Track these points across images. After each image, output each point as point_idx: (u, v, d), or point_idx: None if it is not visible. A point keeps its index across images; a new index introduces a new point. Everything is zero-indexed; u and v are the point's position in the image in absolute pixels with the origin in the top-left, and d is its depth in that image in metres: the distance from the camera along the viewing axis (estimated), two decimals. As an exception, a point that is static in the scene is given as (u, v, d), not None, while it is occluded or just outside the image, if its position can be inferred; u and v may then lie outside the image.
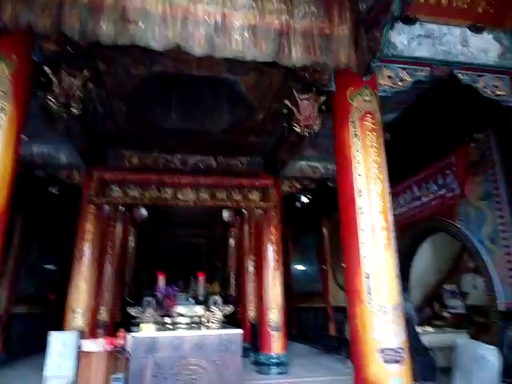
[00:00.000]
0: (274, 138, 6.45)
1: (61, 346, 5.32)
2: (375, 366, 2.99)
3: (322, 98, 3.87)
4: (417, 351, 5.66)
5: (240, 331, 4.45)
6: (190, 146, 6.82)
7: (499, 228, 4.37)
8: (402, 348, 3.04)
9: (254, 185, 6.94)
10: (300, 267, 11.48)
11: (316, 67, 3.46)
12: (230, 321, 8.93)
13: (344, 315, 7.27)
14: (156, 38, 3.05)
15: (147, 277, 9.83)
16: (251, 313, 8.58)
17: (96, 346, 4.37)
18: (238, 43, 3.17)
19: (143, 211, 9.56)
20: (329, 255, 9.27)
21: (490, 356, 3.79)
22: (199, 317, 5.57)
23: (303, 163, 7.48)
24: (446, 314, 7.83)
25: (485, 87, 4.13)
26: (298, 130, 3.77)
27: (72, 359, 5.15)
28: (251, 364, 7.02)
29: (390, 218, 3.41)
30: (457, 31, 4.13)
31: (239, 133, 6.35)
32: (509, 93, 4.15)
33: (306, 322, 10.52)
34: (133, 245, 10.85)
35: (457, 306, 7.92)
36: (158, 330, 4.59)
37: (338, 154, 3.73)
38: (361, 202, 3.39)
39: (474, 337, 6.87)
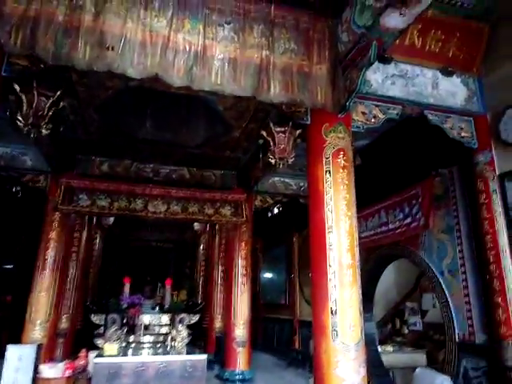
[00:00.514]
0: (248, 154, 6.48)
1: (17, 361, 5.13)
2: (337, 403, 3.07)
3: (298, 131, 3.92)
4: (377, 372, 5.86)
5: (204, 356, 4.46)
6: (164, 156, 6.73)
7: (458, 262, 4.59)
8: (362, 385, 3.14)
9: (227, 199, 6.93)
10: (269, 278, 11.57)
11: (293, 104, 3.50)
12: (195, 330, 8.92)
13: (309, 330, 7.40)
14: (134, 66, 3.00)
15: (113, 282, 9.61)
16: (217, 324, 8.57)
17: (55, 371, 4.23)
18: (218, 76, 3.16)
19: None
20: (297, 269, 9.40)
21: (443, 386, 3.96)
22: (165, 335, 5.52)
23: (276, 179, 7.57)
24: (405, 331, 8.13)
25: (451, 128, 4.34)
26: (272, 161, 3.81)
27: (29, 374, 4.98)
28: (214, 378, 7.02)
29: (357, 255, 3.51)
30: (429, 73, 4.30)
31: (214, 147, 6.33)
32: (472, 135, 4.38)
33: (272, 333, 10.61)
34: (98, 249, 10.55)
35: (416, 322, 8.25)
36: (122, 349, 4.51)
37: (311, 188, 3.80)
38: (331, 238, 3.46)
39: (430, 353, 7.20)
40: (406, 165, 5.68)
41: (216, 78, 3.17)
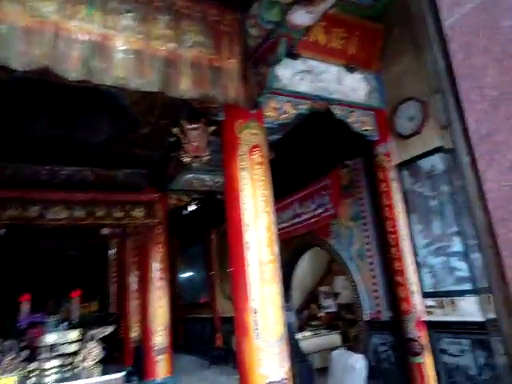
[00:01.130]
0: (160, 152, 6.16)
1: None
2: (263, 400, 3.07)
3: (212, 128, 3.80)
4: (297, 358, 6.09)
5: (120, 375, 4.11)
6: (63, 156, 6.05)
7: (365, 247, 4.96)
8: (286, 378, 3.19)
9: (138, 200, 6.53)
10: (188, 277, 11.31)
11: (205, 99, 3.36)
12: (110, 342, 8.31)
13: (231, 326, 7.41)
14: (18, 56, 2.56)
15: (8, 301, 8.44)
16: (134, 333, 8.10)
17: None
18: (121, 69, 2.87)
19: None
20: (217, 265, 9.33)
21: (357, 364, 4.26)
22: (74, 354, 5.00)
23: (192, 176, 7.32)
24: (321, 314, 8.64)
25: (354, 122, 4.62)
26: (185, 160, 3.63)
27: None
28: (134, 390, 6.64)
29: (276, 250, 3.53)
30: (333, 69, 4.51)
31: (121, 145, 5.89)
32: (373, 128, 4.73)
33: (193, 333, 10.42)
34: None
35: (330, 305, 8.82)
36: (21, 381, 3.93)
37: (227, 186, 3.71)
38: (248, 236, 3.43)
39: (344, 332, 7.76)
40: (316, 157, 5.95)
41: (119, 71, 2.88)
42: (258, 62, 3.56)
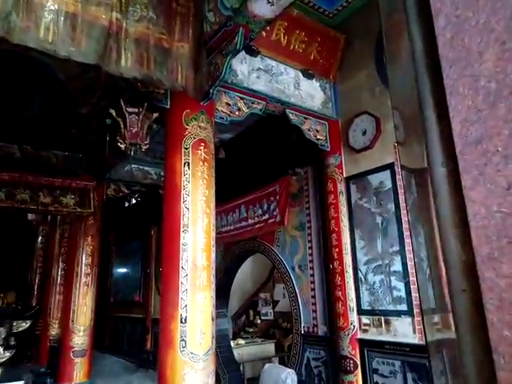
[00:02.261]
0: (99, 136, 5.63)
1: None
2: (180, 421, 2.77)
3: (155, 115, 3.44)
4: (228, 368, 5.84)
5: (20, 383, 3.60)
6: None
7: (308, 257, 4.84)
8: (209, 397, 2.92)
9: (70, 186, 5.92)
10: (122, 274, 10.64)
11: (149, 82, 3.01)
12: (25, 337, 7.51)
13: (162, 329, 7.01)
14: None
15: None
16: (54, 331, 7.38)
17: None
18: (49, 32, 2.45)
19: None
20: (154, 264, 8.82)
21: (288, 380, 4.09)
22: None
23: (134, 166, 6.84)
24: (258, 321, 8.47)
25: (309, 130, 4.49)
26: (122, 146, 3.24)
27: None
28: (46, 395, 6.00)
29: (212, 256, 3.26)
30: (292, 72, 4.34)
31: (56, 123, 5.29)
32: (326, 138, 4.63)
33: (122, 334, 9.77)
34: None
35: (268, 312, 8.68)
36: None
37: (167, 181, 3.39)
38: (186, 238, 3.13)
39: (278, 341, 7.64)
40: (267, 161, 5.77)
41: (46, 33, 2.46)
42: (212, 50, 3.29)
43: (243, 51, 3.88)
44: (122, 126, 3.22)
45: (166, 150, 3.42)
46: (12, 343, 6.21)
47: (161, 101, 3.44)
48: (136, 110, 3.23)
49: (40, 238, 9.49)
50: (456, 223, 0.61)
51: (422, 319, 1.20)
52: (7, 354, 5.10)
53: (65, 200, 5.81)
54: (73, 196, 5.88)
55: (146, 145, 3.33)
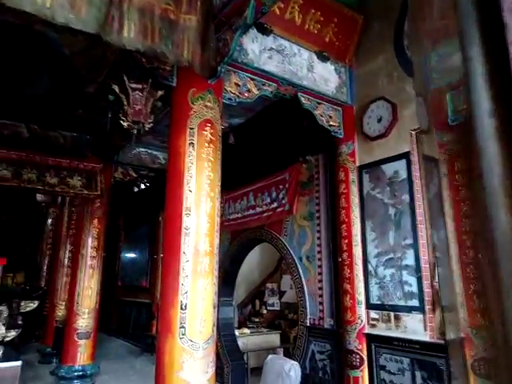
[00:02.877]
0: (108, 117, 5.51)
1: None
2: (176, 410, 2.68)
3: (160, 93, 3.29)
4: (232, 357, 5.76)
5: (15, 364, 3.57)
6: (-8, 106, 5.25)
7: (316, 248, 4.68)
8: (208, 387, 2.81)
9: (78, 167, 5.84)
10: (130, 258, 10.66)
11: (153, 55, 2.85)
12: (33, 318, 7.57)
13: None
14: None
15: None
16: (60, 312, 7.42)
17: None
18: (46, -4, 2.30)
19: None
20: (162, 250, 8.77)
21: (292, 372, 3.98)
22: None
23: (142, 150, 6.73)
24: (264, 311, 8.38)
25: (321, 115, 4.29)
26: (124, 124, 3.11)
27: None
28: (50, 375, 6.02)
29: (216, 241, 3.13)
30: (305, 54, 4.13)
31: (63, 103, 5.19)
32: (340, 125, 4.42)
33: (128, 317, 9.83)
34: None
35: (274, 303, 8.58)
36: None
37: (171, 162, 3.25)
38: (188, 222, 3.00)
39: (284, 332, 7.54)
40: (277, 148, 5.59)
41: (43, -3, 2.31)
42: (221, 25, 3.11)
43: (255, 29, 3.70)
44: (125, 102, 3.08)
45: (170, 130, 3.28)
46: (19, 322, 6.25)
47: (166, 78, 3.29)
48: (140, 86, 3.08)
49: (50, 220, 9.53)
50: (509, 191, 0.45)
51: (443, 317, 1.03)
52: (13, 333, 5.08)
53: (71, 181, 5.74)
54: (80, 178, 5.80)
55: (149, 123, 3.18)
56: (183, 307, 2.87)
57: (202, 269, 2.99)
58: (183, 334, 2.82)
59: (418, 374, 3.35)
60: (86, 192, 5.86)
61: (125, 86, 3.04)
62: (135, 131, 3.12)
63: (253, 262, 8.58)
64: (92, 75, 4.30)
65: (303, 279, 4.75)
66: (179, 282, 2.91)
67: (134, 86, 3.06)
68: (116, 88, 3.13)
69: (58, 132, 5.74)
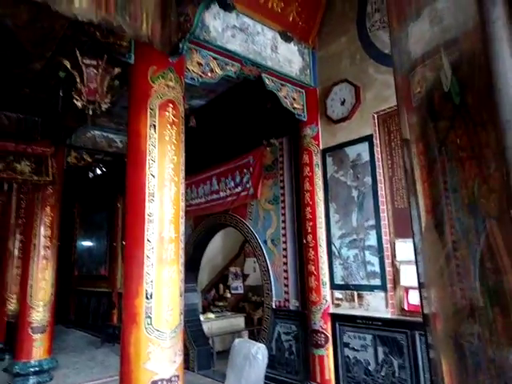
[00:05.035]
0: (59, 96, 5.12)
1: None
2: (143, 402, 2.60)
3: (117, 70, 3.07)
4: (197, 342, 5.73)
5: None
6: None
7: (281, 232, 4.69)
8: (177, 376, 2.75)
9: (25, 151, 5.41)
10: (87, 247, 10.20)
11: (109, 28, 2.64)
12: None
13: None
14: None
15: None
16: (12, 306, 6.98)
17: None
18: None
19: None
20: (120, 237, 8.46)
21: (259, 354, 4.00)
22: None
23: (97, 133, 6.40)
24: (228, 295, 8.40)
25: (285, 97, 4.23)
26: (79, 104, 2.87)
27: None
28: (3, 371, 5.68)
29: (181, 228, 3.03)
30: (269, 33, 4.03)
31: (7, 81, 4.74)
32: (303, 107, 4.40)
33: (87, 308, 9.47)
34: None
35: (238, 286, 8.62)
36: None
37: (131, 145, 3.06)
38: (152, 208, 2.86)
39: (248, 315, 7.62)
40: (240, 131, 5.49)
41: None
42: (183, -1, 2.93)
43: (217, 5, 3.54)
44: (78, 80, 2.83)
45: (129, 111, 3.08)
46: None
47: (123, 55, 3.06)
48: (94, 62, 2.84)
49: (-5, 209, 8.85)
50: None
51: (420, 292, 1.03)
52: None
53: (19, 166, 5.32)
54: (28, 163, 5.39)
55: (106, 103, 2.96)
56: (149, 296, 2.77)
57: (168, 256, 2.89)
58: (149, 324, 2.72)
59: (380, 349, 3.50)
60: (35, 178, 5.45)
61: (77, 62, 2.79)
62: (90, 112, 2.89)
63: (216, 247, 8.52)
64: (39, 50, 3.94)
65: (268, 262, 4.76)
66: (144, 271, 2.79)
67: (87, 61, 2.82)
68: (67, 64, 2.87)
69: (1, 113, 5.26)
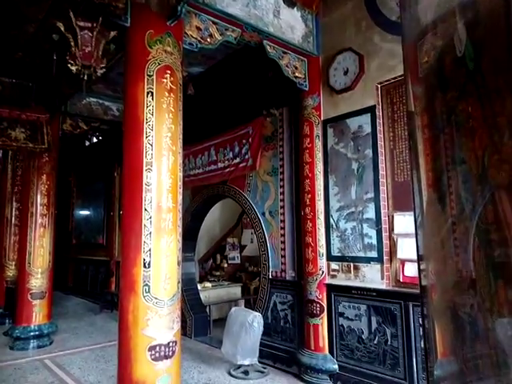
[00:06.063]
0: (53, 60, 4.95)
1: None
2: (142, 365, 2.67)
3: (113, 33, 2.94)
4: (195, 310, 5.86)
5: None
6: None
7: (279, 203, 4.69)
8: (174, 341, 2.81)
9: (20, 118, 5.30)
10: (85, 216, 10.22)
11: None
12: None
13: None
14: None
15: None
16: (10, 272, 7.07)
17: None
18: None
19: None
20: (118, 206, 8.47)
21: (254, 323, 4.11)
22: None
23: (93, 100, 6.26)
24: (225, 265, 8.52)
25: (287, 66, 4.11)
26: (73, 68, 2.77)
27: None
28: (4, 335, 5.82)
29: (179, 197, 3.00)
30: (272, -2, 3.86)
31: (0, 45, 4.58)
32: (305, 77, 4.28)
33: (85, 275, 9.61)
34: None
35: (235, 257, 8.73)
36: None
37: (127, 113, 2.98)
38: (149, 177, 2.83)
39: (245, 284, 7.76)
40: (240, 100, 5.38)
41: None
42: (182, -44, 2.77)
43: (217, -36, 3.36)
44: (72, 43, 2.72)
45: (125, 77, 2.99)
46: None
47: (119, 17, 2.92)
48: (89, 25, 2.72)
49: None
50: None
51: (419, 265, 1.02)
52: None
53: (13, 133, 5.23)
54: (23, 129, 5.29)
55: (101, 68, 2.86)
56: (146, 265, 2.78)
57: (166, 226, 2.88)
58: (147, 292, 2.75)
59: (373, 318, 3.58)
60: (30, 145, 5.37)
61: (71, 24, 2.67)
62: (85, 77, 2.80)
63: (214, 217, 8.57)
64: (31, 10, 3.77)
65: (266, 234, 4.79)
66: (142, 240, 2.80)
67: (82, 24, 2.69)
68: (61, 26, 2.74)
69: (-7, 77, 5.12)
